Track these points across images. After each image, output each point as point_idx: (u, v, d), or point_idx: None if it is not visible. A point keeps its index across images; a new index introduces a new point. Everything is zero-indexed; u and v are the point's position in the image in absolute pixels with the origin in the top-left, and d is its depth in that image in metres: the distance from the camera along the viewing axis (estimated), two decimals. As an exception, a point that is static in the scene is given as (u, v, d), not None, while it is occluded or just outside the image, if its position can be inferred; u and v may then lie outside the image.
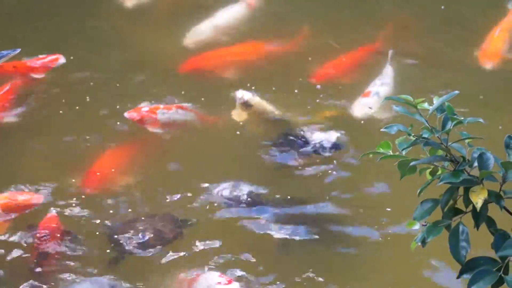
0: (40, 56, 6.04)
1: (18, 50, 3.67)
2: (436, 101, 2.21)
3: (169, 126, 5.67)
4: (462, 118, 2.14)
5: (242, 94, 5.74)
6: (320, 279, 4.58)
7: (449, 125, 2.15)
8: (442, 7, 6.63)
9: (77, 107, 5.81)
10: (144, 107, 5.72)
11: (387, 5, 6.82)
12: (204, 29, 6.44)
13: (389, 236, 4.81)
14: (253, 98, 5.76)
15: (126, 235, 4.81)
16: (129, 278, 4.49)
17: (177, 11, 6.74)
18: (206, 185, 5.18)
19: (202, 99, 5.84)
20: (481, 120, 2.18)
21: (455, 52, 6.25)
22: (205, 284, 4.40)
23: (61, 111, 5.76)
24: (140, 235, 4.82)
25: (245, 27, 6.47)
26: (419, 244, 2.12)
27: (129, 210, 5.05)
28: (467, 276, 2.03)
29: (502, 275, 1.99)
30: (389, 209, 4.96)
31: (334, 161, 5.34)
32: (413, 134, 2.20)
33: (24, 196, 5.05)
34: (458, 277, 2.05)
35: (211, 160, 5.49)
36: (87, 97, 5.88)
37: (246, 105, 5.78)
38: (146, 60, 6.23)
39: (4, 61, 3.55)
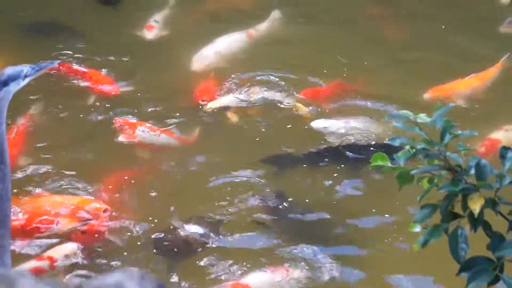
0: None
1: (57, 62, 3.81)
2: (435, 114, 2.43)
3: (144, 145, 5.81)
4: (460, 131, 2.35)
5: (210, 106, 6.06)
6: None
7: (447, 138, 2.36)
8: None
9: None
10: (132, 119, 5.92)
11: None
12: (207, 55, 6.63)
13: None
14: (219, 101, 6.12)
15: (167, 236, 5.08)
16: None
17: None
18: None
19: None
20: (476, 133, 2.39)
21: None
22: None
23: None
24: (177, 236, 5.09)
25: (245, 55, 6.71)
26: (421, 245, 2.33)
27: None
28: (465, 274, 2.23)
29: (498, 273, 2.20)
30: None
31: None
32: (414, 147, 2.40)
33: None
34: (457, 275, 2.25)
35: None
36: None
37: (224, 109, 6.10)
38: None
39: (43, 72, 3.67)
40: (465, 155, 2.38)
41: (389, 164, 2.46)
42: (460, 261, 2.23)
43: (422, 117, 2.45)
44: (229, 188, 5.46)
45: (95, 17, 7.22)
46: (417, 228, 2.33)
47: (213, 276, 4.85)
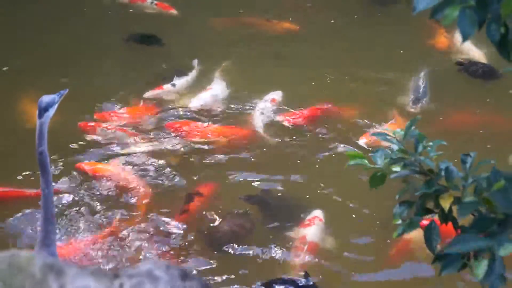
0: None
1: (67, 90, 4.30)
2: (406, 128, 2.82)
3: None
4: (431, 143, 2.75)
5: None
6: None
7: (420, 148, 2.76)
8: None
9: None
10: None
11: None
12: (204, 97, 7.15)
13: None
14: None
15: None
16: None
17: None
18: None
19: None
20: (444, 142, 2.79)
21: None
22: None
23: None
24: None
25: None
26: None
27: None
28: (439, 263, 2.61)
29: (466, 261, 2.57)
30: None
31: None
32: (393, 156, 2.79)
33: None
34: (432, 263, 2.62)
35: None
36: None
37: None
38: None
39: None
40: (435, 160, 2.78)
41: (367, 163, 2.84)
42: (433, 250, 2.61)
43: (398, 132, 2.85)
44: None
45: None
46: (399, 221, 2.71)
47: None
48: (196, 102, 7.10)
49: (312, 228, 5.78)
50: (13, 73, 7.59)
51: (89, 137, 6.60)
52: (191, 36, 8.19)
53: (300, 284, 5.09)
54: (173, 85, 7.33)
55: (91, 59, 7.81)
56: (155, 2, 8.49)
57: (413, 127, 2.76)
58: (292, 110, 7.04)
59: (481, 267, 2.41)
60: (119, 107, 7.02)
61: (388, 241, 5.63)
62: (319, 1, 8.96)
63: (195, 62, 7.61)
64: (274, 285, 5.08)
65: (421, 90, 7.12)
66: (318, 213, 5.90)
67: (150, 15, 8.51)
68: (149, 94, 7.25)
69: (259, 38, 8.21)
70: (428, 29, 8.06)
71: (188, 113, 6.99)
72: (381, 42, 8.19)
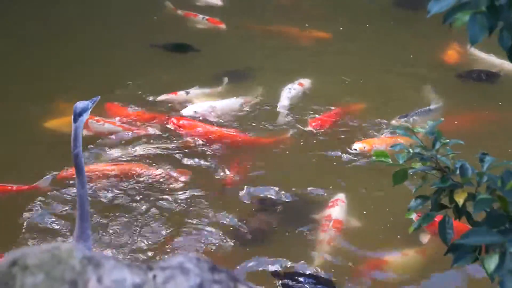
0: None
1: (99, 97, 4.59)
2: (428, 126, 2.96)
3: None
4: (448, 140, 2.88)
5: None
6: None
7: (438, 145, 2.89)
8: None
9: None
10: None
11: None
12: (201, 106, 7.30)
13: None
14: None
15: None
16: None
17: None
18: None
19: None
20: (461, 142, 2.92)
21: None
22: None
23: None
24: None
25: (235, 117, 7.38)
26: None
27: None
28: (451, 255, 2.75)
29: (478, 255, 2.71)
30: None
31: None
32: (411, 151, 2.93)
33: None
34: (445, 255, 2.76)
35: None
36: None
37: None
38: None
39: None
40: (452, 158, 2.92)
41: (390, 161, 2.99)
42: (447, 243, 2.75)
43: (419, 129, 2.99)
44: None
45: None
46: (413, 215, 2.86)
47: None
48: (190, 109, 7.26)
49: (336, 208, 6.03)
50: (51, 74, 8.01)
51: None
52: (226, 46, 8.50)
53: (320, 278, 5.30)
54: (187, 92, 7.55)
55: (125, 63, 8.22)
56: (206, 17, 8.88)
57: (435, 127, 2.88)
58: (315, 106, 7.32)
59: (492, 261, 2.53)
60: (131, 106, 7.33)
61: (398, 236, 5.82)
62: (348, 10, 9.25)
63: (225, 79, 7.81)
64: (295, 277, 5.30)
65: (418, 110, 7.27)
66: (341, 196, 6.16)
67: (188, 25, 8.94)
68: (162, 97, 7.48)
69: (291, 47, 8.51)
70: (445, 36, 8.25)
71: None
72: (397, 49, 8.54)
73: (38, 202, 6.06)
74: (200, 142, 6.82)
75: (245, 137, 6.92)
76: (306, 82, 7.60)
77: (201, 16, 8.91)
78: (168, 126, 7.04)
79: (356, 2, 9.17)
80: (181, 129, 6.94)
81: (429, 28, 8.17)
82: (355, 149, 6.70)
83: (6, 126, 7.18)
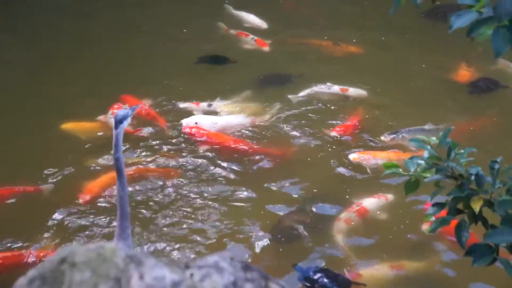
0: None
1: (138, 106, 4.79)
2: (441, 137, 3.12)
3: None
4: (462, 150, 3.04)
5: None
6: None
7: (453, 154, 3.05)
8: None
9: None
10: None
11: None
12: (202, 119, 7.47)
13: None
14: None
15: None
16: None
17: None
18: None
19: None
20: (474, 150, 3.08)
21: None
22: None
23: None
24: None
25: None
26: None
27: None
28: (470, 257, 2.89)
29: (496, 256, 2.86)
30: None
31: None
32: (427, 162, 3.09)
33: None
34: (465, 255, 2.90)
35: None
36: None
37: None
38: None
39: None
40: (465, 166, 3.07)
41: (401, 171, 3.15)
42: (463, 245, 2.90)
43: (433, 140, 3.14)
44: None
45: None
46: (432, 219, 3.01)
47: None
48: (192, 120, 7.40)
49: (373, 200, 6.31)
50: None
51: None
52: (259, 58, 8.86)
53: (338, 277, 5.42)
54: (209, 105, 7.73)
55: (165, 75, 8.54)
56: (255, 38, 9.27)
57: (447, 136, 3.05)
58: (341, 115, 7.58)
59: None
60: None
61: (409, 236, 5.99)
62: (377, 22, 9.66)
63: (248, 92, 8.04)
64: (317, 273, 5.44)
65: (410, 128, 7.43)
66: (389, 196, 6.38)
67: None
68: (183, 105, 7.70)
69: (325, 59, 8.88)
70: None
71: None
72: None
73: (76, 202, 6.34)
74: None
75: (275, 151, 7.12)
76: (351, 89, 7.96)
77: (251, 36, 9.32)
78: (171, 130, 7.34)
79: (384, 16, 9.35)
80: (198, 136, 7.15)
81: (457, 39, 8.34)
82: (355, 156, 6.89)
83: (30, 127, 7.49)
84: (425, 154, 3.04)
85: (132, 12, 10.07)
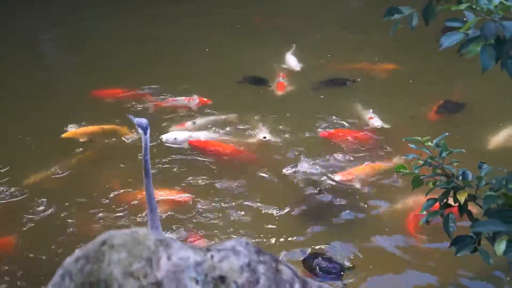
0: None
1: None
2: (435, 140, 3.50)
3: None
4: (453, 150, 3.42)
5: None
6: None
7: (444, 154, 3.43)
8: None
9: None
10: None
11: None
12: (182, 135, 7.73)
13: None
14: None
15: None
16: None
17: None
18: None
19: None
20: (463, 150, 3.46)
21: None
22: None
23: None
24: None
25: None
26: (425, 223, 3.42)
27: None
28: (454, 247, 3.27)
29: (477, 246, 3.23)
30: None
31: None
32: (422, 160, 3.47)
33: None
34: (449, 247, 3.29)
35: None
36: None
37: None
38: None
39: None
40: (456, 167, 3.45)
41: (407, 171, 3.53)
42: (450, 235, 3.28)
43: (429, 143, 3.53)
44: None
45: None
46: (424, 212, 3.39)
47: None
48: (171, 136, 7.65)
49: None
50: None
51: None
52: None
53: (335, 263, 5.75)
54: (194, 123, 7.99)
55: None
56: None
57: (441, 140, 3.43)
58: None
59: (501, 245, 2.98)
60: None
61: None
62: (412, 40, 9.56)
63: (234, 115, 8.21)
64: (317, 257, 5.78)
65: None
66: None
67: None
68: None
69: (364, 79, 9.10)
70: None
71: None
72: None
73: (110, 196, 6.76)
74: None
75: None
76: (375, 119, 7.98)
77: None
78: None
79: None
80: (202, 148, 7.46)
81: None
82: (340, 177, 6.97)
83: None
84: (409, 156, 3.42)
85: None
